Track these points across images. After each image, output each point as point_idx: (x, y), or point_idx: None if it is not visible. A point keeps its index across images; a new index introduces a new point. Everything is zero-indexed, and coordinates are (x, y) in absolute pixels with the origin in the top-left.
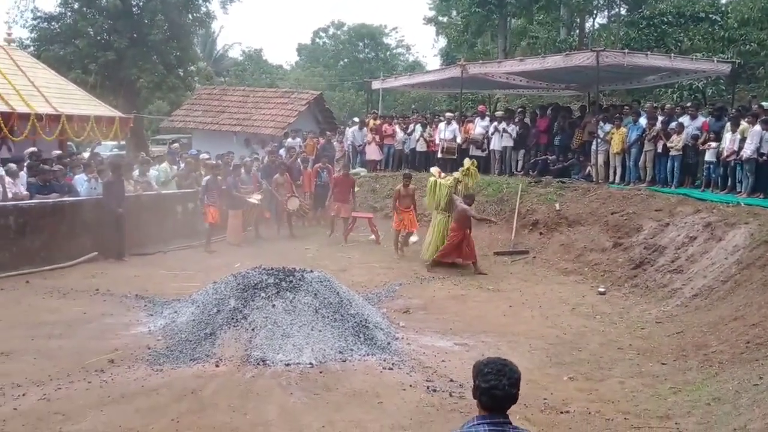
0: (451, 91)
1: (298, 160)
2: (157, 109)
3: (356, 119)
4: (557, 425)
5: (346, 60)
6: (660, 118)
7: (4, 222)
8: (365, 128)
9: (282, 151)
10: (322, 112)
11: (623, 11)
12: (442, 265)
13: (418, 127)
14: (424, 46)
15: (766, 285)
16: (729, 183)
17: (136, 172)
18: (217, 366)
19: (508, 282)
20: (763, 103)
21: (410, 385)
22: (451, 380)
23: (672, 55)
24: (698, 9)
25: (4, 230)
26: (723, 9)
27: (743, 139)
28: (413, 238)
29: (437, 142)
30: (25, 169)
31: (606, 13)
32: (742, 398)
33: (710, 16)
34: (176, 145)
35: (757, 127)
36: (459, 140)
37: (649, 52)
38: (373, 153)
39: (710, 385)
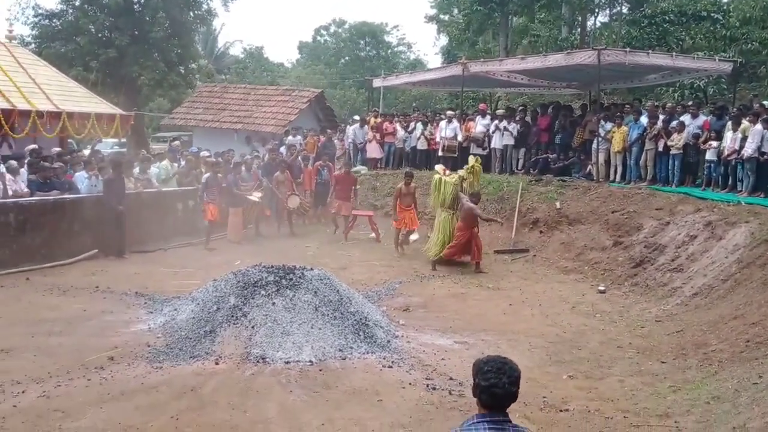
0: (452, 89)
1: (299, 158)
2: (158, 106)
3: (356, 117)
4: (557, 423)
5: (347, 58)
6: (661, 117)
7: (5, 219)
8: (366, 126)
9: (283, 149)
10: (323, 110)
11: (625, 10)
12: (444, 263)
13: (419, 126)
14: (426, 44)
15: (767, 284)
16: (730, 182)
17: (136, 170)
18: (216, 363)
19: (509, 280)
20: (765, 102)
21: (410, 383)
22: (451, 378)
23: (673, 53)
24: (700, 7)
25: (5, 227)
26: (725, 8)
27: (744, 138)
28: (414, 237)
29: (438, 140)
30: (25, 166)
31: (607, 11)
32: (742, 397)
33: (712, 14)
34: (177, 142)
35: (759, 126)
36: (460, 138)
37: (650, 51)
38: (373, 151)
39: (710, 384)
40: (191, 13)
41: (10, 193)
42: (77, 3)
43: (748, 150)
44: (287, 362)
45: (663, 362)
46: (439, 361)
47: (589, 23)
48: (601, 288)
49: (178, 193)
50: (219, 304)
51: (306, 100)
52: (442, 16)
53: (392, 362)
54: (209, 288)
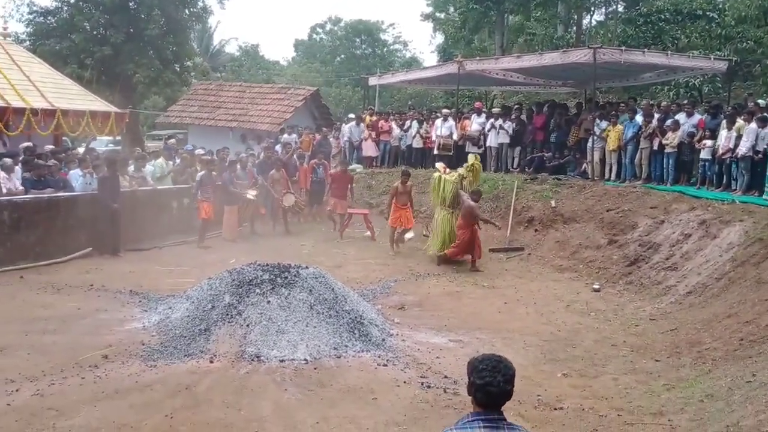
0: (448, 87)
1: (294, 156)
2: (153, 104)
3: (352, 115)
4: (551, 421)
5: (342, 56)
6: (656, 116)
7: None
8: (362, 124)
9: (278, 147)
10: (318, 108)
11: (620, 8)
12: (443, 261)
13: (415, 124)
14: (422, 43)
15: (760, 282)
16: (724, 180)
17: (131, 168)
18: (211, 362)
19: (503, 279)
20: (759, 101)
21: (405, 382)
22: (446, 377)
23: (669, 52)
24: (695, 6)
25: None
26: (720, 6)
27: (739, 137)
28: (409, 235)
29: (433, 138)
30: (20, 164)
31: (603, 10)
32: (735, 395)
33: (707, 13)
34: (173, 140)
35: (753, 125)
36: (455, 137)
37: (646, 50)
38: (369, 149)
39: (703, 382)
40: (186, 11)
41: (4, 191)
42: (72, 0)
43: (743, 149)
44: (282, 360)
45: (657, 360)
46: (434, 360)
47: (585, 22)
48: (596, 286)
49: (173, 191)
50: (214, 302)
51: (301, 98)
52: (438, 14)
53: (387, 361)
54: (204, 286)
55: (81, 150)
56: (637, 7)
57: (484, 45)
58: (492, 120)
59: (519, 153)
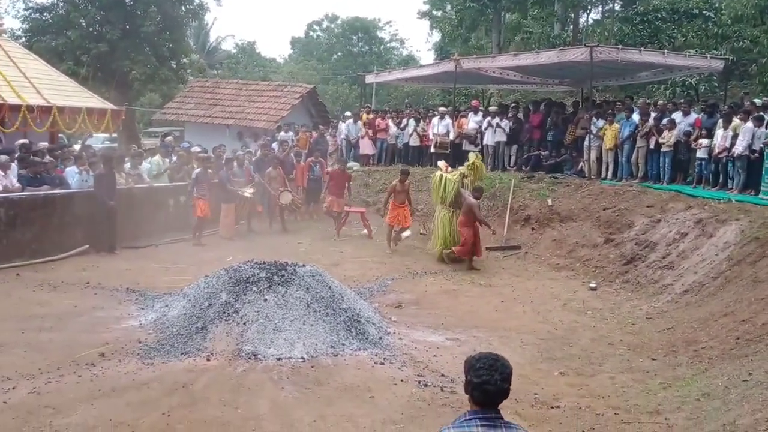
0: (445, 85)
1: (291, 153)
2: (149, 101)
3: (348, 113)
4: (548, 420)
5: (339, 53)
6: (653, 115)
7: None
8: (359, 122)
9: (275, 145)
10: (315, 106)
11: (617, 7)
12: (454, 261)
13: (412, 122)
14: (418, 41)
15: (756, 281)
16: (720, 179)
17: (127, 165)
18: (208, 360)
19: (500, 277)
20: (756, 100)
21: (402, 380)
22: (443, 375)
23: (665, 51)
24: (692, 5)
25: None
26: (716, 5)
27: (735, 136)
28: (406, 234)
29: (430, 136)
30: (16, 161)
31: (600, 8)
32: (732, 394)
33: (704, 12)
34: (170, 138)
35: (749, 124)
36: (452, 135)
37: (642, 48)
38: (366, 147)
39: (700, 381)
40: (183, 8)
41: (0, 188)
42: None
43: (739, 148)
44: (279, 359)
45: (653, 359)
46: (431, 358)
47: (582, 20)
48: (593, 285)
49: (170, 189)
50: (210, 300)
51: (298, 96)
52: (435, 12)
53: (384, 359)
54: (201, 284)
55: (77, 147)
56: (634, 6)
57: (481, 43)
58: (489, 118)
59: (516, 151)
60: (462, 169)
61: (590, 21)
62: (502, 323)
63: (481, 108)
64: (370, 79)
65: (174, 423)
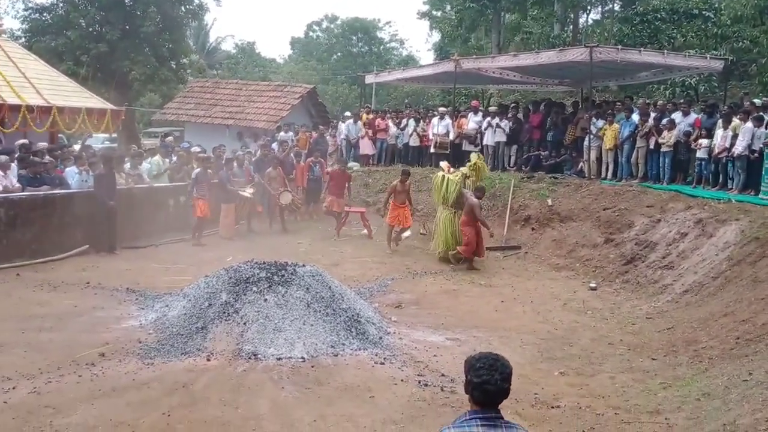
0: (445, 85)
1: (291, 154)
2: (149, 101)
3: (348, 113)
4: (548, 420)
5: (339, 54)
6: (652, 115)
7: None
8: (359, 122)
9: (275, 145)
10: (315, 106)
11: (617, 7)
12: (447, 260)
13: (411, 122)
14: (418, 41)
15: (756, 281)
16: (720, 179)
17: (127, 165)
18: (208, 360)
19: (500, 277)
20: (755, 100)
21: (402, 380)
22: (443, 375)
23: (665, 51)
24: (691, 5)
25: None
26: (716, 6)
27: (735, 136)
28: (406, 234)
29: (430, 137)
30: (15, 161)
31: (600, 9)
32: (732, 394)
33: (703, 12)
34: (171, 138)
35: (749, 124)
36: (452, 135)
37: (642, 49)
38: (366, 147)
39: (700, 381)
40: (183, 8)
41: (0, 188)
42: None
43: (739, 148)
44: (279, 359)
45: (654, 359)
46: (431, 358)
47: (582, 20)
48: (593, 285)
49: (170, 189)
50: (211, 300)
51: (298, 96)
52: (434, 13)
53: (384, 359)
54: (201, 284)
55: (77, 147)
56: (634, 6)
57: (480, 43)
58: (489, 118)
59: (515, 151)
60: (464, 169)
61: (590, 21)
62: (502, 323)
63: (480, 108)
64: (369, 79)
65: (174, 423)
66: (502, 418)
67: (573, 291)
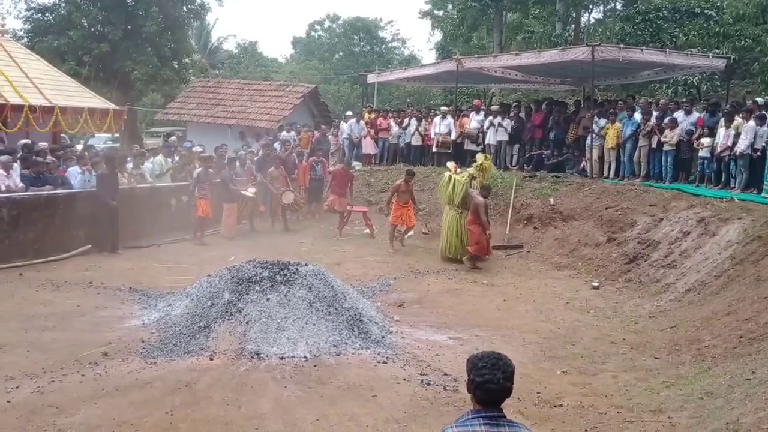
0: (447, 85)
1: (293, 153)
2: (151, 101)
3: (350, 113)
4: (551, 419)
5: (341, 53)
6: (654, 114)
7: None
8: (362, 121)
9: (277, 145)
10: (317, 106)
11: (619, 6)
12: (451, 259)
13: (413, 122)
14: (420, 40)
15: (759, 280)
16: (723, 178)
17: (130, 165)
18: (211, 359)
19: (503, 276)
20: (758, 99)
21: (404, 379)
22: (445, 374)
23: (667, 50)
24: (693, 4)
25: None
26: (718, 4)
27: (737, 135)
28: (408, 234)
29: (432, 136)
30: (18, 161)
31: (602, 7)
32: (735, 392)
33: (705, 11)
34: (174, 138)
35: (751, 123)
36: (454, 135)
37: (644, 48)
38: (368, 147)
39: (703, 380)
40: (184, 8)
41: (2, 188)
42: None
43: (741, 146)
44: (282, 358)
45: (656, 358)
46: (434, 357)
47: (583, 19)
48: (595, 284)
49: (172, 189)
50: (213, 299)
51: (300, 96)
52: (436, 12)
53: (387, 358)
54: (203, 284)
55: (79, 147)
56: (636, 5)
57: (482, 42)
58: (491, 118)
59: (518, 151)
60: (471, 170)
61: (592, 20)
62: (505, 322)
63: (482, 107)
64: (371, 78)
65: (177, 422)
66: (505, 417)
67: (575, 290)
